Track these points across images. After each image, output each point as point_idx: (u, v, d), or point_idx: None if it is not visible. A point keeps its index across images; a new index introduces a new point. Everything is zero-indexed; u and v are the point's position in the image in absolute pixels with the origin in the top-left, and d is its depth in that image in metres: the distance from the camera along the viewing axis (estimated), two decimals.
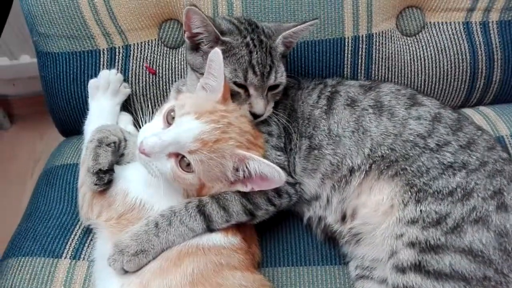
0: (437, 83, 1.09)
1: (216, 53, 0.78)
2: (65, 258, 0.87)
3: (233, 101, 0.84)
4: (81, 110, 1.06)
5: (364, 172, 0.82)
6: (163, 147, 0.72)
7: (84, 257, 0.87)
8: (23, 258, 0.88)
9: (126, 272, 0.73)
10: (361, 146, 0.84)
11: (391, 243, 0.76)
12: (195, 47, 0.88)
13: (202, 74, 0.84)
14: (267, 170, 0.73)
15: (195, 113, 0.74)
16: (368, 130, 0.85)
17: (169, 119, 0.76)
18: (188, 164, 0.73)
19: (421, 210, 0.76)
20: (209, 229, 0.77)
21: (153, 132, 0.75)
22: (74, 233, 0.90)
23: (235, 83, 0.84)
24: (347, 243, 0.85)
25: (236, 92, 0.85)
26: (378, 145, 0.83)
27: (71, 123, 1.12)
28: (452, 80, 1.09)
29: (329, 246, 0.90)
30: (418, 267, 0.72)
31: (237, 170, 0.76)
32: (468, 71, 1.08)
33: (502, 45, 1.06)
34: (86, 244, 0.88)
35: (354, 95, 0.91)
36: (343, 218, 0.85)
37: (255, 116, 0.86)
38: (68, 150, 1.08)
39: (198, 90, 0.84)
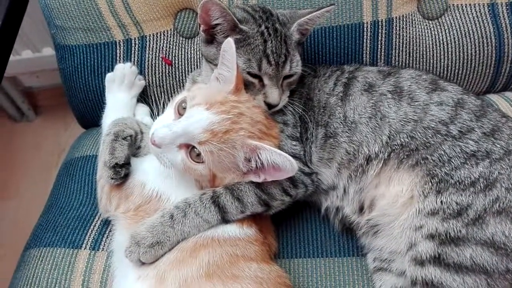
0: (461, 68, 1.05)
1: (229, 43, 0.77)
2: (84, 248, 0.89)
3: (247, 92, 0.83)
4: (100, 102, 1.07)
5: (382, 161, 0.80)
6: (174, 138, 0.72)
7: (103, 248, 0.88)
8: (44, 249, 0.90)
9: (142, 263, 0.74)
10: (379, 133, 0.81)
11: (410, 235, 0.74)
12: (210, 39, 0.87)
13: (217, 65, 0.83)
14: (278, 160, 0.72)
15: (206, 103, 0.74)
16: (387, 116, 0.82)
17: (180, 110, 0.76)
18: (199, 155, 0.73)
19: (441, 201, 0.74)
20: (224, 220, 0.77)
21: (164, 123, 0.74)
22: (93, 224, 0.92)
23: (249, 73, 0.83)
24: (365, 235, 0.84)
25: (250, 82, 0.84)
26: (397, 132, 0.80)
27: (90, 115, 1.13)
28: (477, 65, 1.05)
29: (346, 237, 0.88)
30: (437, 260, 0.70)
31: (249, 160, 0.75)
32: (494, 55, 1.03)
33: None
34: (105, 235, 0.90)
35: (372, 80, 0.88)
36: (361, 209, 0.83)
37: (270, 106, 0.85)
38: (88, 142, 1.10)
39: (212, 81, 0.84)
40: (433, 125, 0.80)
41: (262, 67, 0.82)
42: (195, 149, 0.73)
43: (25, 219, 1.63)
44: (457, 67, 1.05)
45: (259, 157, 0.74)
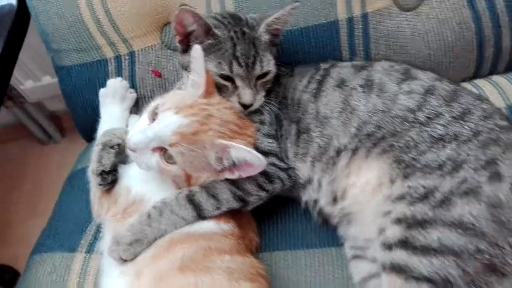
0: (443, 57, 1.05)
1: (197, 50, 0.82)
2: (80, 252, 0.94)
3: (222, 95, 0.88)
4: (97, 116, 1.14)
5: (350, 152, 0.82)
6: (147, 142, 0.77)
7: (97, 251, 0.94)
8: (44, 254, 0.97)
9: (124, 261, 0.78)
10: (348, 126, 0.83)
11: (379, 221, 0.75)
12: (186, 48, 0.92)
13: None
14: (247, 156, 0.75)
15: (175, 108, 0.78)
16: (356, 109, 0.84)
17: (154, 116, 0.80)
18: (171, 157, 0.77)
19: (408, 186, 0.74)
20: (200, 217, 0.80)
21: (139, 129, 0.79)
22: (88, 229, 0.98)
23: (221, 76, 0.87)
24: (340, 224, 0.85)
25: (223, 86, 0.88)
26: (364, 123, 0.82)
27: (90, 129, 1.20)
28: (459, 52, 1.04)
29: (326, 229, 0.90)
30: (404, 243, 0.71)
31: (221, 159, 0.78)
32: (474, 40, 1.03)
33: (508, 12, 1.00)
34: (99, 239, 0.95)
35: (345, 76, 0.90)
36: (334, 200, 0.84)
37: (245, 106, 0.88)
38: (88, 154, 1.17)
39: (188, 88, 0.88)
40: (400, 114, 0.81)
41: (233, 69, 0.86)
42: (168, 152, 0.78)
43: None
44: (439, 55, 1.05)
45: (229, 155, 0.78)
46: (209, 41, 0.88)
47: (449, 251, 0.69)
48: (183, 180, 0.81)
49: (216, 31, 0.87)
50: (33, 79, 1.89)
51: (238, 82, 0.87)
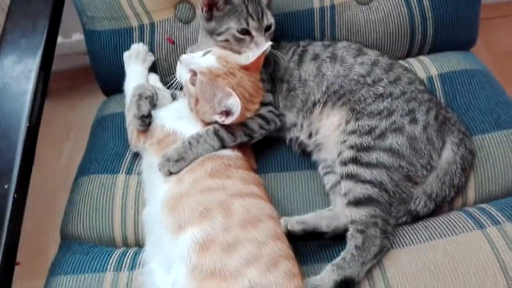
0: (386, 40, 1.42)
1: (266, 44, 1.16)
2: (121, 173, 1.24)
3: (240, 46, 1.20)
4: (120, 74, 1.41)
5: (322, 104, 1.19)
6: (190, 62, 1.11)
7: (134, 172, 1.24)
8: (91, 175, 1.25)
9: (171, 173, 1.05)
10: (320, 86, 1.20)
11: (338, 147, 1.12)
12: (210, 17, 1.23)
13: (219, 34, 1.20)
14: (234, 105, 1.03)
15: (219, 57, 1.11)
16: (325, 74, 1.21)
17: (205, 54, 1.13)
18: (194, 81, 1.10)
19: (358, 125, 1.11)
20: (223, 146, 1.11)
21: (193, 55, 1.14)
22: (126, 156, 1.27)
23: (241, 31, 1.19)
24: (313, 152, 1.22)
25: (241, 39, 1.20)
26: (331, 84, 1.19)
27: (112, 85, 1.48)
28: (397, 37, 1.42)
29: (303, 158, 1.26)
30: (355, 161, 1.08)
31: (220, 102, 1.08)
32: (408, 29, 1.40)
33: (432, 8, 1.39)
34: (135, 163, 1.26)
35: (317, 51, 1.26)
36: (310, 135, 1.21)
37: None
38: (113, 104, 1.46)
39: (241, 55, 1.18)
40: (355, 78, 1.19)
41: (249, 22, 1.18)
42: (195, 76, 1.10)
43: (43, 180, 1.97)
44: (383, 39, 1.41)
45: (227, 102, 1.04)
46: (228, 7, 1.20)
47: (383, 166, 1.07)
48: (193, 102, 1.12)
49: None
50: None
51: (253, 32, 1.19)
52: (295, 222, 1.07)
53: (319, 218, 1.10)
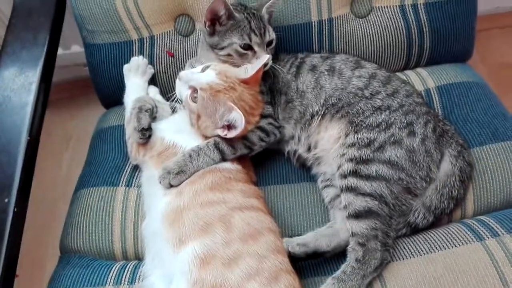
0: (383, 52, 1.44)
1: (265, 57, 1.17)
2: (121, 186, 1.25)
3: (243, 61, 1.21)
4: (120, 86, 1.42)
5: (320, 116, 1.20)
6: (190, 79, 1.11)
7: (134, 185, 1.25)
8: (91, 188, 1.26)
9: (171, 186, 1.06)
10: (318, 98, 1.21)
11: (338, 160, 1.13)
12: (213, 32, 1.24)
13: (221, 49, 1.22)
14: (238, 120, 1.05)
15: (219, 73, 1.12)
16: (324, 87, 1.22)
17: (204, 69, 1.14)
18: (196, 97, 1.11)
19: (357, 137, 1.12)
20: (223, 159, 1.12)
21: (192, 71, 1.14)
22: (125, 169, 1.28)
23: (243, 46, 1.20)
24: (313, 165, 1.23)
25: (244, 54, 1.21)
26: (329, 97, 1.20)
27: (112, 97, 1.49)
28: (394, 49, 1.44)
29: (302, 170, 1.27)
30: (354, 173, 1.08)
31: (223, 117, 1.09)
32: (405, 41, 1.42)
33: (428, 21, 1.41)
34: (135, 176, 1.27)
35: (315, 63, 1.28)
36: (309, 148, 1.22)
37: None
38: (113, 116, 1.47)
39: (239, 68, 1.19)
40: (353, 91, 1.20)
41: (252, 38, 1.20)
42: (196, 93, 1.11)
43: (43, 190, 1.96)
44: (380, 51, 1.43)
45: (229, 116, 1.06)
46: (231, 22, 1.21)
47: (382, 178, 1.07)
48: (195, 118, 1.13)
49: (236, 14, 1.21)
50: None
51: (256, 47, 1.21)
52: (296, 245, 1.07)
53: (320, 236, 1.10)
